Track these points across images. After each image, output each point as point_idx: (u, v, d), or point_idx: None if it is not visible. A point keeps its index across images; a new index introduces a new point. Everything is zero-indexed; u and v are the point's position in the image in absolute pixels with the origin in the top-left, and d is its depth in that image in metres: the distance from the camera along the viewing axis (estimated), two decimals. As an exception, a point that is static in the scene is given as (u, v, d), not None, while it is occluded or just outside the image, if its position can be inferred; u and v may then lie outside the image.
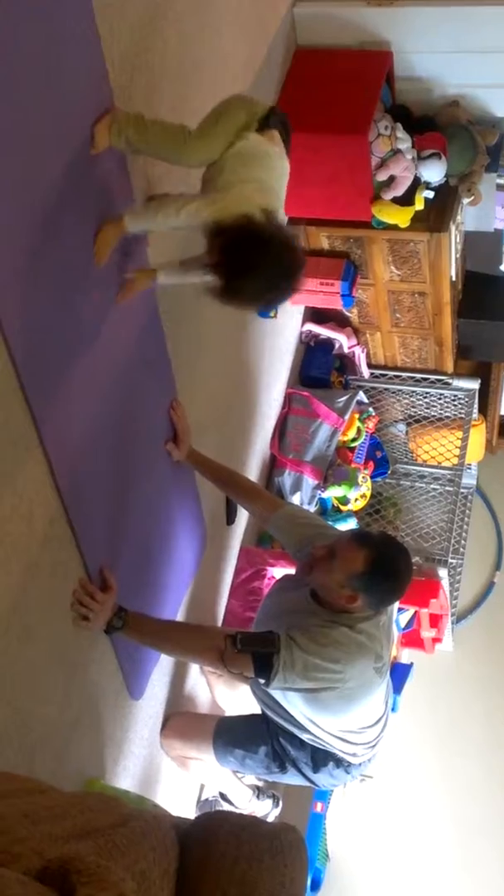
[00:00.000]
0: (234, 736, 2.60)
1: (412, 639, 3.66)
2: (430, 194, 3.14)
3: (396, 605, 2.49)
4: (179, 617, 2.70)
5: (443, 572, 3.41)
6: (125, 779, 2.43)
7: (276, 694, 2.38)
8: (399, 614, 3.42)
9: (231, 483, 2.64)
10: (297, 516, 2.53)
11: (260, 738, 2.54)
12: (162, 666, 2.60)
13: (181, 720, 2.73)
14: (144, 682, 2.50)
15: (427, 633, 3.61)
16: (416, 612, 3.53)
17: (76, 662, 2.10)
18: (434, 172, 3.09)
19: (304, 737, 2.44)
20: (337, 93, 2.89)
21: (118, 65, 1.92)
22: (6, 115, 1.57)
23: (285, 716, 2.43)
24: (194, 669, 2.87)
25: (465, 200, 3.25)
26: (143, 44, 2.04)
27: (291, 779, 2.57)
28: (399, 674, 3.37)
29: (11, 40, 1.56)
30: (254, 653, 2.18)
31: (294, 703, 2.35)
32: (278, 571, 3.07)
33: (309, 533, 2.42)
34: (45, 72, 1.67)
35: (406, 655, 3.71)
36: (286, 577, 2.69)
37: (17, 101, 1.60)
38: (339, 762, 2.50)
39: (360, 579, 2.20)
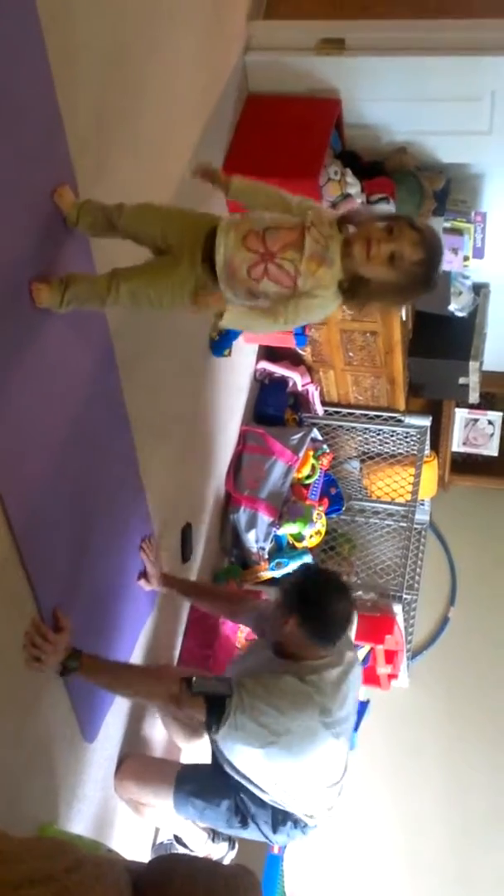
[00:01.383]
0: (196, 786, 2.57)
1: (368, 675, 3.65)
2: (380, 237, 3.21)
3: (356, 667, 2.45)
4: (135, 657, 2.68)
5: (397, 608, 3.43)
6: (79, 823, 2.39)
7: (228, 750, 2.37)
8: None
9: (206, 595, 2.87)
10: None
11: (223, 791, 2.51)
12: (117, 707, 2.57)
13: (137, 763, 2.69)
14: (98, 723, 2.47)
15: (383, 670, 3.61)
16: (371, 648, 3.53)
17: (28, 704, 2.07)
18: (383, 216, 3.17)
19: (264, 797, 2.44)
20: (288, 138, 2.97)
21: (73, 109, 1.95)
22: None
23: (241, 773, 2.42)
24: (151, 710, 2.84)
25: (414, 243, 3.33)
26: (97, 86, 2.07)
27: (251, 834, 2.55)
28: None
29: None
30: (207, 695, 2.17)
31: (244, 759, 2.35)
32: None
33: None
34: None
35: (362, 693, 3.71)
36: (253, 641, 2.73)
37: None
38: (296, 822, 2.49)
39: (287, 599, 2.30)
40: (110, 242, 2.04)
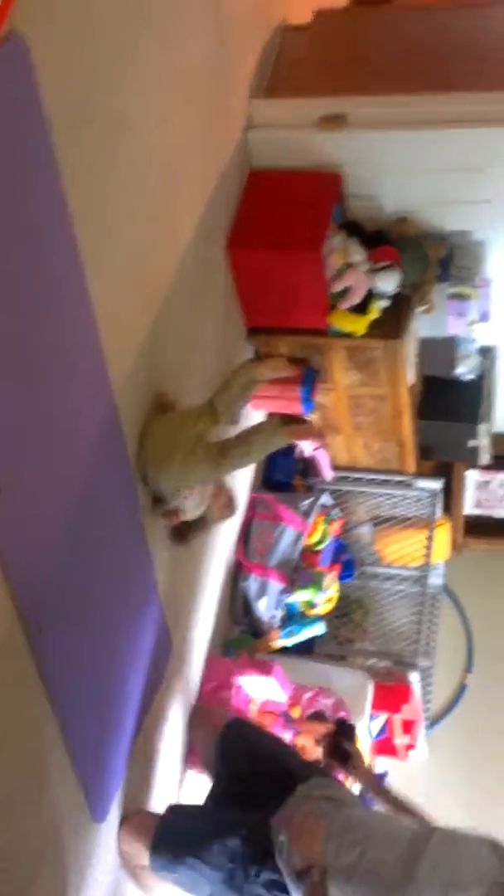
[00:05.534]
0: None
1: (385, 746, 3.58)
2: (386, 304, 3.25)
3: None
4: (140, 731, 2.62)
5: (414, 676, 3.37)
6: (88, 910, 2.32)
7: None
8: (371, 721, 3.36)
9: None
10: None
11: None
12: (127, 783, 2.52)
13: (135, 820, 2.52)
14: (109, 801, 2.41)
15: (400, 740, 3.54)
16: (388, 718, 3.46)
17: (33, 785, 2.03)
18: (388, 283, 3.21)
19: None
20: (291, 211, 3.03)
21: (74, 180, 2.00)
22: None
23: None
24: (161, 779, 2.77)
25: (419, 309, 3.36)
26: (99, 160, 2.13)
27: None
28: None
29: None
30: None
31: None
32: (246, 681, 3.01)
33: None
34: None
35: (380, 764, 3.62)
36: None
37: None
38: None
39: None
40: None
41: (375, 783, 2.34)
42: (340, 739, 2.36)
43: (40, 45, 1.77)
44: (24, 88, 1.77)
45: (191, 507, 2.60)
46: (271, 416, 2.58)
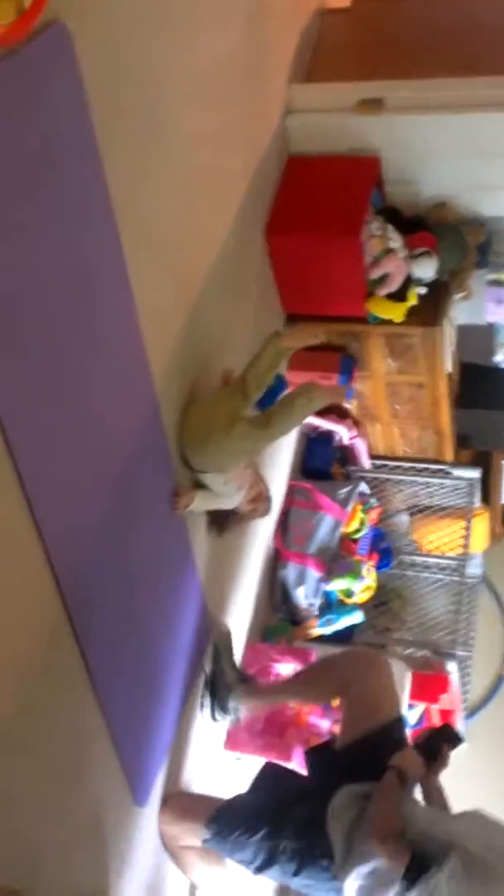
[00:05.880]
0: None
1: (423, 735, 3.56)
2: (424, 290, 3.22)
3: None
4: (181, 716, 2.64)
5: (452, 666, 3.35)
6: (130, 892, 2.33)
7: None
8: (409, 711, 3.34)
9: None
10: None
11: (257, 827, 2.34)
12: (167, 767, 2.54)
13: (178, 800, 2.58)
14: (150, 785, 2.43)
15: (438, 730, 3.51)
16: (426, 708, 3.44)
17: (78, 768, 2.05)
18: (426, 270, 3.18)
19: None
20: (329, 197, 3.01)
21: (115, 168, 2.00)
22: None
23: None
24: (199, 762, 2.79)
25: (457, 296, 3.33)
26: (137, 149, 2.13)
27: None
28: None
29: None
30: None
31: None
32: (284, 668, 3.01)
33: None
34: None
35: (418, 753, 3.60)
36: None
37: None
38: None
39: None
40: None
41: (440, 796, 2.31)
42: (442, 743, 2.31)
43: (78, 34, 1.77)
44: (67, 74, 1.77)
45: (230, 494, 2.60)
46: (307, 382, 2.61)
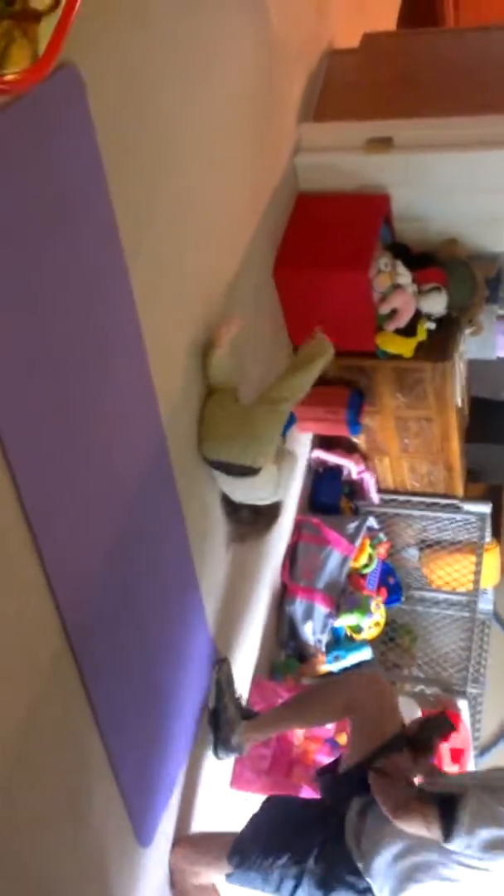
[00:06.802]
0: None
1: (433, 774, 3.51)
2: (433, 325, 3.23)
3: None
4: (187, 754, 2.61)
5: (462, 704, 3.31)
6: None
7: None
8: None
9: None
10: None
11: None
12: (172, 808, 2.50)
13: (192, 838, 2.59)
14: (154, 825, 2.39)
15: (449, 769, 3.46)
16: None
17: (79, 808, 2.02)
18: (435, 305, 3.19)
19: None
20: (338, 233, 3.03)
21: (125, 214, 2.02)
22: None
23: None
24: (206, 801, 2.75)
25: (467, 331, 3.34)
26: (150, 194, 2.15)
27: None
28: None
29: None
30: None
31: None
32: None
33: None
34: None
35: (428, 792, 3.55)
36: None
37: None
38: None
39: None
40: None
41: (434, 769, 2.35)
42: (434, 737, 2.30)
43: (89, 76, 1.80)
44: (78, 117, 1.80)
45: (268, 486, 2.67)
46: (310, 340, 2.76)
